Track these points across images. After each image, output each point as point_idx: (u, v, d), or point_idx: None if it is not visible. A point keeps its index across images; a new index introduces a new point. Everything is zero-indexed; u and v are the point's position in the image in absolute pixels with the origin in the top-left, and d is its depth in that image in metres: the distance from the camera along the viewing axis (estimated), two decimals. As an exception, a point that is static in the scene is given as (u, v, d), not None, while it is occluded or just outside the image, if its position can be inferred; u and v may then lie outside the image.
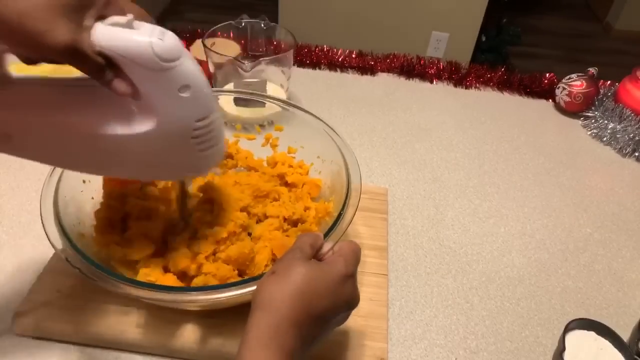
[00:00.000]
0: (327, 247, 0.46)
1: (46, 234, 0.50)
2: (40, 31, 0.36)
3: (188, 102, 0.43)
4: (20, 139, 0.46)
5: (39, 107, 0.44)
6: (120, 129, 0.43)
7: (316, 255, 0.45)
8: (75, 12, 0.37)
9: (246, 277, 0.54)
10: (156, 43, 0.39)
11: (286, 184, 0.66)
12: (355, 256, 0.45)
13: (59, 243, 0.50)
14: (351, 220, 0.55)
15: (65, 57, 0.38)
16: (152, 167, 0.48)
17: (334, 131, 0.65)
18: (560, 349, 0.55)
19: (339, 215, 0.55)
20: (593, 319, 0.58)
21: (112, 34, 0.38)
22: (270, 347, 0.38)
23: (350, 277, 0.44)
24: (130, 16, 0.39)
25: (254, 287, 0.44)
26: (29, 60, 0.42)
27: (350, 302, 0.44)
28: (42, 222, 0.51)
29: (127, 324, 0.55)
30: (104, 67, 0.39)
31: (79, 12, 0.37)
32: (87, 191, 0.58)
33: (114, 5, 0.40)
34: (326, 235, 0.52)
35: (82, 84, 0.44)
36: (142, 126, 0.43)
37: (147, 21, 0.41)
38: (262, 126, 0.75)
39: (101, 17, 0.39)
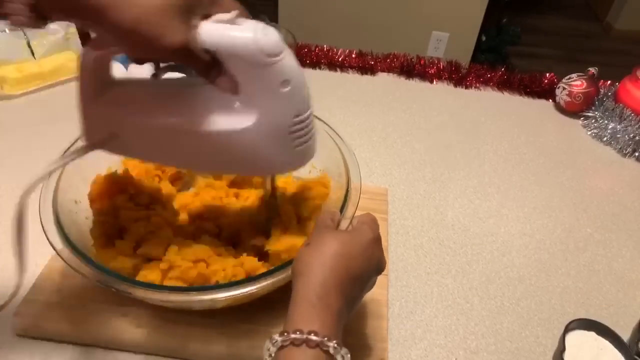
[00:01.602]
0: (344, 224, 0.50)
1: (45, 235, 0.50)
2: (155, 35, 0.38)
3: (288, 98, 0.44)
4: (126, 138, 0.48)
5: (142, 107, 0.46)
6: (221, 125, 0.44)
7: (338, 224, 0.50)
8: (185, 13, 0.39)
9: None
10: (260, 38, 0.40)
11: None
12: (376, 223, 0.49)
13: (58, 243, 0.50)
14: (351, 220, 0.55)
15: (177, 56, 0.40)
16: (248, 162, 0.48)
17: (334, 131, 0.65)
18: (560, 349, 0.55)
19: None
20: (593, 319, 0.58)
21: (218, 32, 0.40)
22: (317, 306, 0.41)
23: (378, 241, 0.48)
24: (234, 13, 0.41)
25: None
26: (138, 61, 0.44)
27: (381, 264, 0.48)
28: (41, 224, 0.51)
29: (127, 324, 0.55)
30: (210, 64, 0.42)
31: (188, 13, 0.39)
32: (80, 212, 0.58)
33: (218, 3, 0.42)
34: None
35: (182, 84, 0.46)
36: (243, 122, 0.44)
37: (248, 18, 0.43)
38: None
39: (206, 16, 0.41)
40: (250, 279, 0.49)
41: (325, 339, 0.39)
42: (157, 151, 0.50)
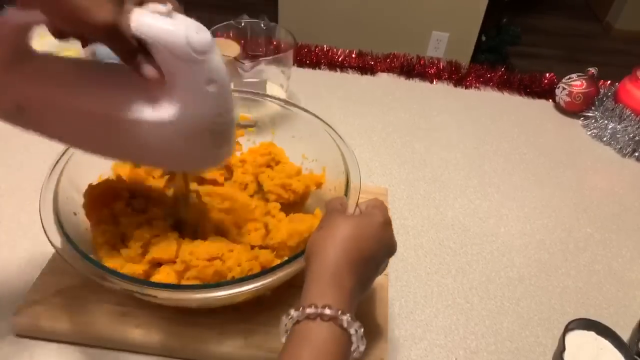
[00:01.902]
0: (350, 209, 0.51)
1: (45, 233, 0.50)
2: (85, 7, 0.38)
3: (211, 97, 0.44)
4: (35, 113, 0.46)
5: (58, 84, 0.45)
6: (140, 114, 0.44)
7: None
8: None
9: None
10: (191, 35, 0.40)
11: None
12: (385, 207, 0.50)
13: (58, 242, 0.50)
14: (357, 205, 0.55)
15: (102, 35, 0.40)
16: (163, 156, 0.48)
17: (334, 130, 0.65)
18: (560, 349, 0.55)
19: None
20: (593, 319, 0.58)
21: (149, 20, 0.40)
22: (331, 283, 0.42)
23: (388, 224, 0.48)
24: (169, 6, 0.41)
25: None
26: (61, 34, 0.43)
27: (392, 246, 0.49)
28: (41, 223, 0.51)
29: (127, 324, 0.55)
30: (136, 50, 0.41)
31: None
32: (80, 223, 0.57)
33: None
34: None
35: (105, 67, 0.45)
36: (163, 113, 0.43)
37: (181, 14, 0.42)
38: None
39: (141, 3, 0.41)
40: (267, 271, 0.49)
41: (339, 312, 0.40)
42: (68, 132, 0.48)
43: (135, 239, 0.54)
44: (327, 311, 0.39)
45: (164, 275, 0.52)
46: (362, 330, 0.41)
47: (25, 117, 0.47)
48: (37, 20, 0.42)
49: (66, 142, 0.52)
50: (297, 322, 0.40)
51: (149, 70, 0.42)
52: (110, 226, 0.55)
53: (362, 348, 0.42)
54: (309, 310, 0.40)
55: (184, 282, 0.52)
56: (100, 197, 0.57)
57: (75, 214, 0.56)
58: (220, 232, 0.58)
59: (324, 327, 0.40)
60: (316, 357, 0.38)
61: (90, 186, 0.58)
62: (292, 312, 0.41)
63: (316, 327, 0.40)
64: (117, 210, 0.56)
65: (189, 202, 0.59)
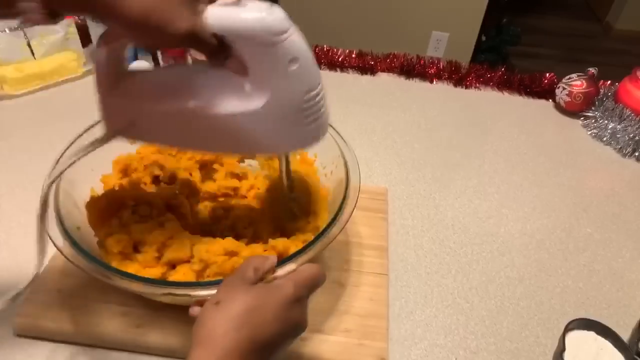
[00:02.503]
0: (285, 270, 0.44)
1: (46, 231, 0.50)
2: (163, 24, 0.39)
3: (297, 75, 0.44)
4: (143, 124, 0.49)
5: (155, 94, 0.47)
6: (232, 108, 0.45)
7: (266, 276, 0.43)
8: (190, 0, 0.40)
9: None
10: (266, 18, 0.41)
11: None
12: (311, 281, 0.43)
13: (59, 240, 0.50)
14: (348, 219, 0.55)
15: (186, 42, 0.41)
16: (262, 142, 0.49)
17: (333, 128, 0.65)
18: (560, 349, 0.55)
19: (336, 214, 0.55)
20: (593, 319, 0.58)
21: (224, 15, 0.41)
22: None
23: (297, 301, 0.42)
24: None
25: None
26: (149, 50, 0.44)
27: (297, 327, 0.42)
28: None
29: (127, 324, 0.55)
30: (217, 47, 0.42)
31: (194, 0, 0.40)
32: (84, 236, 0.56)
33: None
34: (323, 233, 0.52)
35: (193, 69, 0.47)
36: (255, 102, 0.44)
37: None
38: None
39: (212, 1, 0.42)
40: (290, 257, 0.49)
41: None
42: (172, 135, 0.51)
43: (149, 243, 0.54)
44: None
45: (180, 275, 0.52)
46: None
47: (135, 130, 0.50)
48: (128, 42, 0.45)
49: (172, 144, 0.55)
50: None
51: (233, 65, 0.43)
52: (123, 235, 0.55)
53: None
54: None
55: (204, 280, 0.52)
56: (106, 209, 0.57)
57: (79, 228, 0.56)
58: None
59: None
60: None
61: (92, 199, 0.58)
62: None
63: None
64: (125, 219, 0.56)
65: (292, 182, 0.59)
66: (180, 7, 0.39)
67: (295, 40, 0.43)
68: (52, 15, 0.39)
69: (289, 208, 0.59)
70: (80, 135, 0.60)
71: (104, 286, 0.57)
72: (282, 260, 0.48)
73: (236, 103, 0.45)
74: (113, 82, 0.47)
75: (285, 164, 0.57)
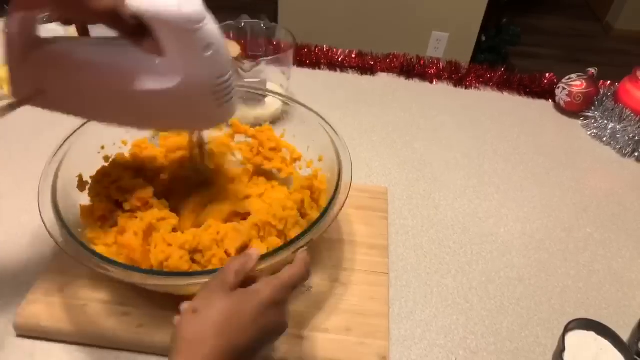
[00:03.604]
0: (269, 263, 0.45)
1: (44, 224, 0.50)
2: None
3: (210, 60, 0.47)
4: (54, 94, 0.50)
5: (68, 64, 0.48)
6: (146, 85, 0.47)
7: (249, 275, 0.44)
8: None
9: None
10: (184, 6, 0.43)
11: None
12: (290, 282, 0.43)
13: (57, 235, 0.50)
14: (337, 214, 0.55)
15: (104, 19, 0.43)
16: (174, 119, 0.52)
17: (333, 129, 0.65)
18: (560, 349, 0.55)
19: (326, 209, 0.55)
20: (593, 319, 0.58)
21: None
22: None
23: (276, 304, 0.42)
24: None
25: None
26: (65, 21, 0.46)
27: (276, 330, 0.43)
28: (40, 216, 0.51)
29: (127, 323, 0.55)
30: (136, 28, 0.44)
31: None
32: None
33: None
34: (312, 227, 0.52)
35: (109, 43, 0.48)
36: (168, 82, 0.47)
37: None
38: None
39: None
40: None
41: None
42: (83, 107, 0.52)
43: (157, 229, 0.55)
44: None
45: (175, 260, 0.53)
46: None
47: (46, 98, 0.50)
48: (43, 10, 0.46)
49: (82, 115, 0.56)
50: None
51: (150, 45, 0.45)
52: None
53: None
54: None
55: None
56: (98, 215, 0.58)
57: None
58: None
59: None
60: None
61: (82, 208, 0.58)
62: None
63: None
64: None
65: (205, 154, 0.62)
66: None
67: (211, 28, 0.46)
68: None
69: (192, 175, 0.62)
70: (69, 137, 0.61)
71: (104, 286, 0.58)
72: (268, 254, 0.49)
73: (150, 81, 0.47)
74: (24, 49, 0.48)
75: (198, 140, 0.61)
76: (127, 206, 0.56)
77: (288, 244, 0.51)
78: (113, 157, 0.63)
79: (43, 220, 0.51)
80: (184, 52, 0.46)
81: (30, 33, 0.48)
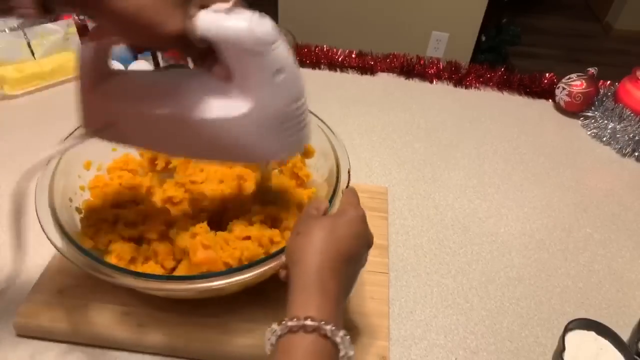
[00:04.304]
0: (334, 209, 0.52)
1: (42, 229, 0.50)
2: (154, 23, 0.39)
3: (281, 87, 0.45)
4: (124, 127, 0.49)
5: (138, 96, 0.47)
6: (215, 113, 0.45)
7: (325, 213, 0.51)
8: (183, 2, 0.40)
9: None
10: (255, 28, 0.41)
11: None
12: (357, 199, 0.51)
13: (58, 241, 0.50)
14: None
15: (175, 44, 0.42)
16: (243, 149, 0.49)
17: (331, 130, 0.65)
18: (560, 349, 0.55)
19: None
20: (593, 318, 0.58)
21: (214, 21, 0.41)
22: (313, 292, 0.42)
23: (362, 218, 0.48)
24: (230, 3, 0.42)
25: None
26: (137, 49, 0.44)
27: (369, 239, 0.49)
28: (37, 217, 0.51)
29: (127, 323, 0.55)
30: (205, 52, 0.43)
31: (186, 2, 0.41)
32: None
33: None
34: None
35: (178, 74, 0.48)
36: (238, 109, 0.45)
37: (244, 8, 0.43)
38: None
39: (204, 6, 0.42)
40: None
41: (322, 322, 0.39)
42: (154, 139, 0.51)
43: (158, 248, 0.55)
44: (310, 322, 0.39)
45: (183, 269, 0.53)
46: (348, 338, 0.40)
47: (115, 131, 0.49)
48: (115, 41, 0.45)
49: (153, 148, 0.55)
50: (281, 335, 0.40)
51: (219, 70, 0.44)
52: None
53: (351, 353, 0.41)
54: (290, 323, 0.39)
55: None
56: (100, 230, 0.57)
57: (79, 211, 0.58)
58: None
59: (308, 338, 0.39)
60: None
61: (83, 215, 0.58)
62: (275, 327, 0.40)
63: (299, 339, 0.39)
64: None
65: (271, 190, 0.61)
66: (172, 9, 0.40)
67: (282, 52, 0.44)
68: (45, 11, 0.39)
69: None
70: (69, 136, 0.60)
71: (104, 286, 0.57)
72: (268, 256, 0.50)
73: (219, 108, 0.45)
74: (96, 80, 0.47)
75: (266, 171, 0.59)
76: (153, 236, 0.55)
77: (264, 259, 0.50)
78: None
79: (42, 227, 0.51)
80: (254, 76, 0.44)
81: (102, 64, 0.47)
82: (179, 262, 0.54)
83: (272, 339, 0.40)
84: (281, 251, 0.49)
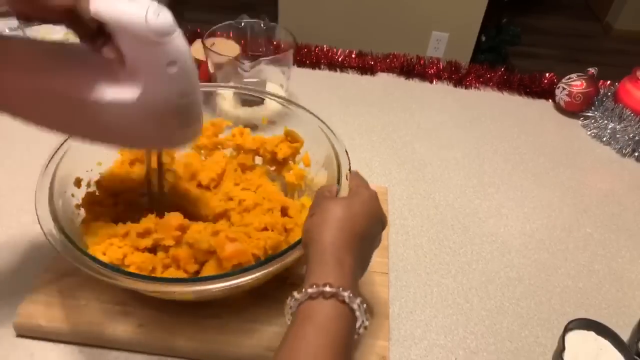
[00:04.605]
0: (343, 193, 0.54)
1: (40, 226, 0.50)
2: None
3: (173, 78, 0.44)
4: (3, 97, 0.47)
5: (25, 67, 0.45)
6: (102, 95, 0.44)
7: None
8: None
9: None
10: (151, 17, 0.40)
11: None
12: (365, 180, 0.53)
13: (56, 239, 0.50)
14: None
15: (64, 18, 0.41)
16: (129, 135, 0.49)
17: (332, 131, 0.65)
18: (560, 349, 0.55)
19: None
20: (593, 318, 0.58)
21: (108, 3, 0.40)
22: (330, 263, 0.43)
23: (375, 198, 0.50)
24: None
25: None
26: (25, 18, 0.44)
27: (383, 218, 0.50)
28: (37, 216, 0.51)
29: (128, 323, 0.55)
30: (96, 33, 0.42)
31: None
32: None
33: None
34: None
35: (68, 48, 0.46)
36: (125, 94, 0.44)
37: None
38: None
39: None
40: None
41: (340, 289, 0.41)
42: (34, 113, 0.49)
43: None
44: (328, 289, 0.40)
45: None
46: (365, 305, 0.42)
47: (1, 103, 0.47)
48: (1, 9, 0.42)
49: (33, 121, 0.52)
50: (301, 303, 0.41)
51: (108, 52, 0.43)
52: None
53: (366, 323, 0.42)
54: (310, 290, 0.41)
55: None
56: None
57: (78, 210, 0.58)
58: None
59: (326, 304, 0.40)
60: (320, 333, 0.39)
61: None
62: (295, 294, 0.42)
63: (318, 305, 0.40)
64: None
65: (162, 179, 0.59)
66: None
67: (178, 44, 0.43)
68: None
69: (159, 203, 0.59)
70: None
71: (104, 286, 0.58)
72: (269, 258, 0.50)
73: (107, 90, 0.44)
74: None
75: (156, 159, 0.58)
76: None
77: (290, 248, 0.51)
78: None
79: (42, 228, 0.50)
80: (146, 65, 0.43)
81: None
82: (201, 264, 0.54)
83: (293, 307, 0.42)
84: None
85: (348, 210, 0.47)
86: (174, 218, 0.55)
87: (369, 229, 0.47)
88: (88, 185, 0.61)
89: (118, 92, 0.44)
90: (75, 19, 0.41)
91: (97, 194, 0.60)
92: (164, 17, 0.41)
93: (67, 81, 0.45)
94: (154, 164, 0.58)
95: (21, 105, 0.48)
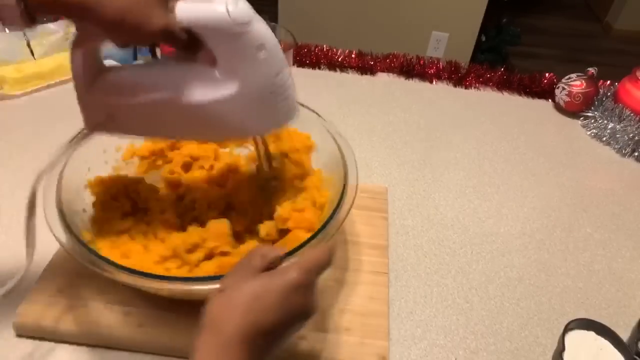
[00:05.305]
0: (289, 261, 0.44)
1: (48, 225, 0.50)
2: (138, 24, 0.42)
3: (265, 60, 0.46)
4: (122, 118, 0.51)
5: (132, 88, 0.50)
6: (206, 96, 0.47)
7: (272, 265, 0.43)
8: None
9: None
10: (231, 10, 0.43)
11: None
12: (316, 264, 0.43)
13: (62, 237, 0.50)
14: (344, 218, 0.55)
15: (160, 39, 0.44)
16: (237, 127, 0.51)
17: (337, 130, 0.65)
18: (560, 349, 0.55)
19: (333, 212, 0.55)
20: (592, 318, 0.58)
21: (192, 9, 0.43)
22: None
23: (304, 286, 0.41)
24: None
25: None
26: (123, 45, 0.46)
27: (305, 312, 0.42)
28: (44, 214, 0.51)
29: (128, 323, 0.55)
30: (188, 41, 0.44)
31: None
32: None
33: None
34: (319, 232, 0.52)
35: (166, 63, 0.51)
36: (227, 90, 0.47)
37: None
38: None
39: None
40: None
41: None
42: (151, 127, 0.53)
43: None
44: None
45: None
46: None
47: (114, 124, 0.52)
48: (101, 41, 0.47)
49: (152, 135, 0.58)
50: None
51: (204, 56, 0.45)
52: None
53: None
54: None
55: None
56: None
57: (84, 210, 0.58)
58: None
59: None
60: None
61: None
62: None
63: None
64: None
65: (271, 163, 0.62)
66: (153, 7, 0.42)
67: (261, 28, 0.45)
68: (30, 20, 0.41)
69: (271, 186, 0.62)
70: (77, 135, 0.60)
71: (104, 286, 0.58)
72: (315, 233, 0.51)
73: (208, 92, 0.47)
74: (89, 80, 0.49)
75: (263, 146, 0.60)
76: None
77: (298, 247, 0.50)
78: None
79: (49, 225, 0.51)
80: (236, 56, 0.46)
81: (93, 64, 0.49)
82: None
83: None
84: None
85: (259, 298, 0.39)
86: (221, 225, 0.56)
87: (278, 325, 0.39)
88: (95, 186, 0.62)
89: (217, 90, 0.47)
90: (169, 34, 0.43)
91: (107, 193, 0.61)
92: (243, 5, 0.44)
93: (170, 93, 0.48)
94: (260, 151, 0.61)
95: (137, 124, 0.52)
